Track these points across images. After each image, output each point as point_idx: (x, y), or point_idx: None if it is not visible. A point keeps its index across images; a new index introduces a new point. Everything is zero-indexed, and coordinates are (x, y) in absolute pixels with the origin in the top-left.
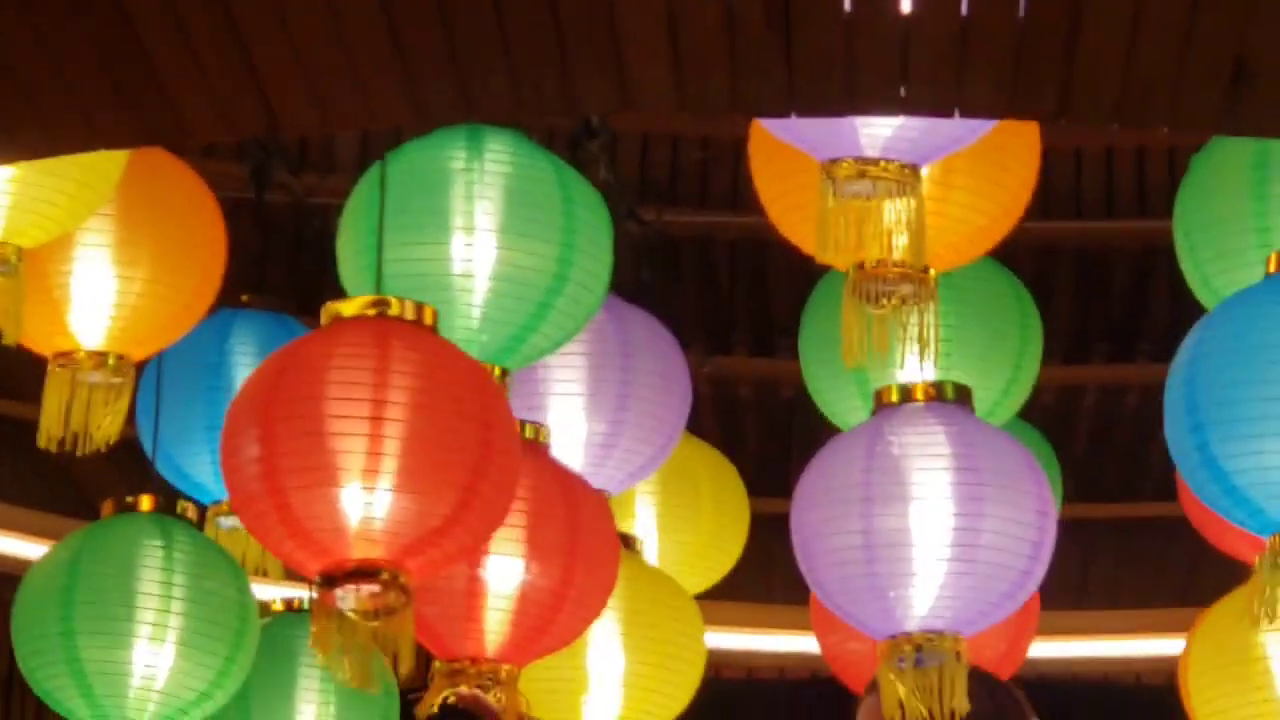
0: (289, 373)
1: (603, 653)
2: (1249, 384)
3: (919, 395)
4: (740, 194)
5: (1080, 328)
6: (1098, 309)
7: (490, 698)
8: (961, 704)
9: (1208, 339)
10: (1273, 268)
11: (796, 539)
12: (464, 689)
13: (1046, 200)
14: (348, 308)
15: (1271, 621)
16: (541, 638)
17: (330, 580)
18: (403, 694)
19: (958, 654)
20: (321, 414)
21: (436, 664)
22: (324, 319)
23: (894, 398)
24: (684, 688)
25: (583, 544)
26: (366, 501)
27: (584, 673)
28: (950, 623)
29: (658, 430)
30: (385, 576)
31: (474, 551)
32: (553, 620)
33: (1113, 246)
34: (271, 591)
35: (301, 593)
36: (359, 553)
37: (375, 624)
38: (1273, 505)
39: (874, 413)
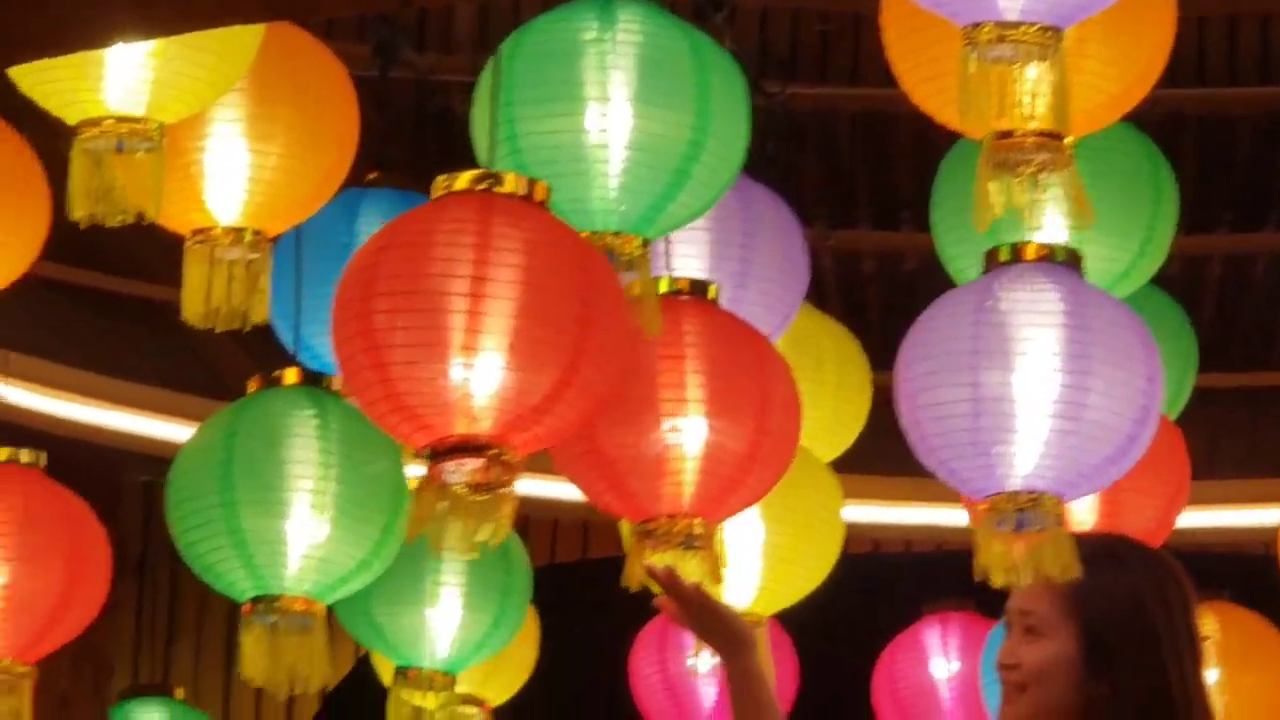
0: (391, 249)
1: (742, 524)
2: None
3: (1029, 255)
4: (860, 68)
5: (1205, 197)
6: (1222, 178)
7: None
8: (1064, 568)
9: None
10: None
11: (902, 393)
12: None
13: (1170, 68)
14: (456, 182)
15: None
16: (736, 489)
17: (435, 455)
18: None
19: (1058, 517)
20: (423, 289)
21: (627, 527)
22: (433, 194)
23: (1005, 257)
24: (823, 560)
25: (771, 392)
26: (467, 377)
27: (723, 544)
28: (1052, 483)
29: (774, 308)
30: (491, 452)
31: (579, 427)
32: (747, 471)
33: (1237, 114)
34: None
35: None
36: (461, 428)
37: (480, 498)
38: None
39: (984, 272)
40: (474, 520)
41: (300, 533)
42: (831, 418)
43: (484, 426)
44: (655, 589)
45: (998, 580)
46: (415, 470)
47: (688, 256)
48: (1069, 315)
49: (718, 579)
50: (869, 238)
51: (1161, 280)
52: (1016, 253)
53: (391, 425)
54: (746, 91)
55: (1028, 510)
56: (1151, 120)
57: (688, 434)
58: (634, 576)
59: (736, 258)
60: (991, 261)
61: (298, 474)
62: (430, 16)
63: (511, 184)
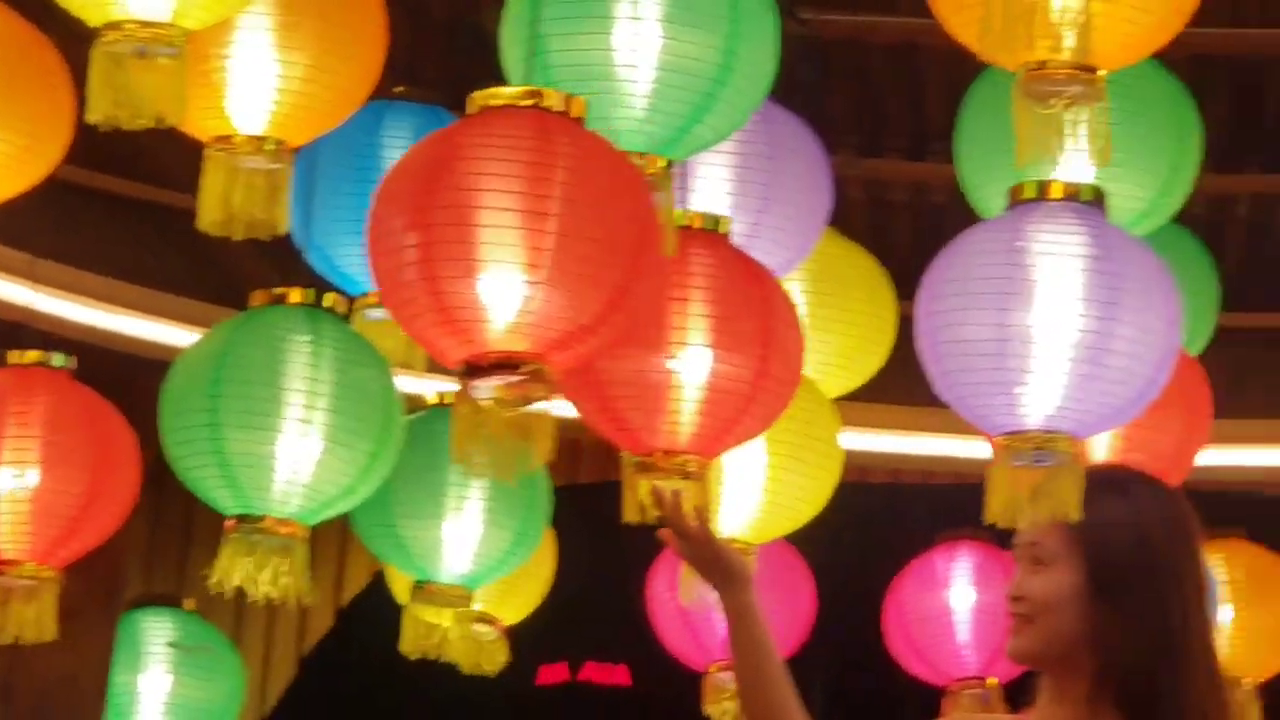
0: (444, 162)
1: (739, 452)
2: None
3: (1055, 194)
4: None
5: (1235, 138)
6: (1251, 118)
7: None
8: (1076, 506)
9: None
10: None
11: (923, 327)
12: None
13: (1201, 7)
14: (497, 98)
15: None
16: (733, 428)
17: (474, 370)
18: None
19: (1075, 456)
20: (478, 204)
21: (625, 458)
22: (470, 108)
23: (1030, 194)
24: (819, 492)
25: (775, 332)
26: (521, 294)
27: (720, 471)
28: (1071, 424)
29: (795, 235)
30: (529, 368)
31: (620, 346)
32: (745, 411)
33: (1269, 55)
34: (419, 385)
35: (451, 386)
36: (506, 345)
37: (515, 414)
38: None
39: (1009, 208)
40: (513, 438)
41: (287, 456)
42: (856, 346)
43: (528, 344)
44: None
45: (1008, 517)
46: (413, 386)
47: (712, 180)
48: (1095, 259)
49: (708, 513)
50: (898, 168)
51: (1187, 219)
52: (1042, 190)
53: (431, 338)
54: (777, 16)
55: (1045, 449)
56: (1182, 59)
57: (688, 369)
58: (631, 508)
59: (760, 182)
60: (1016, 198)
61: (287, 399)
62: None
63: (554, 100)
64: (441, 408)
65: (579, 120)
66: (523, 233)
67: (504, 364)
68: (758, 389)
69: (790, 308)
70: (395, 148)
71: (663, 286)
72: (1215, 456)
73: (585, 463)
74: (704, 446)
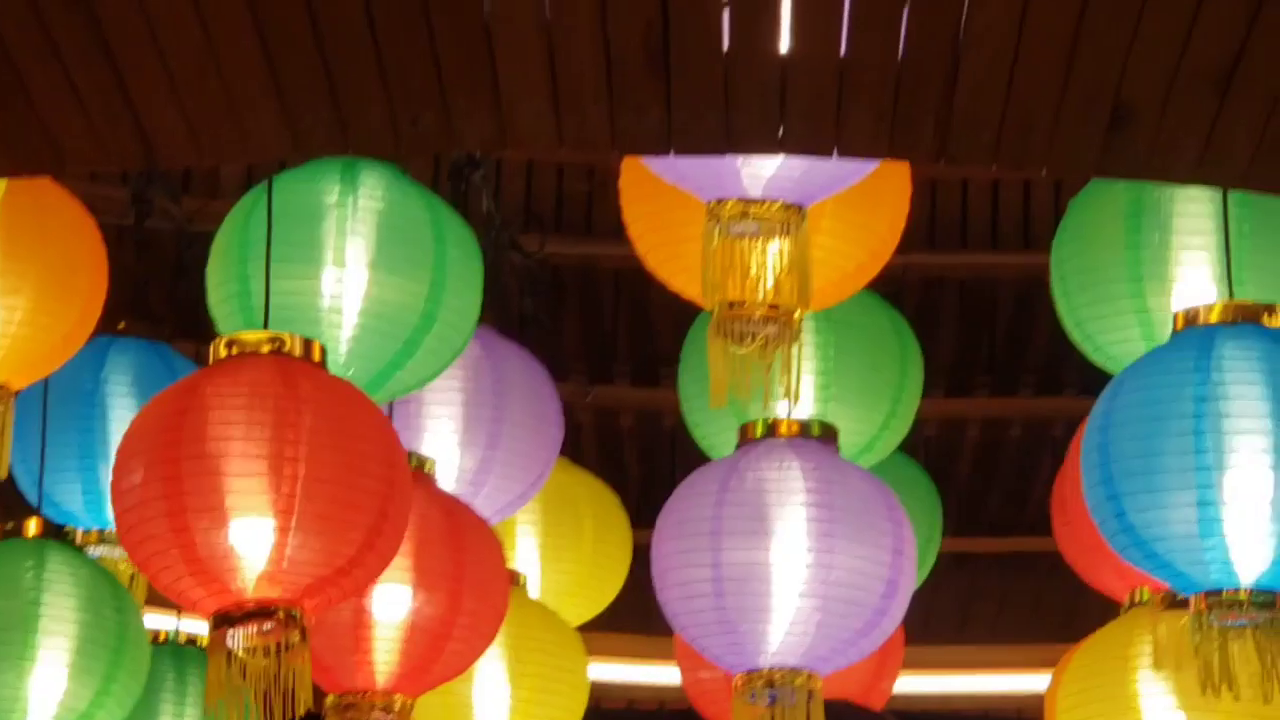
0: (189, 413)
1: (489, 684)
2: (1159, 454)
3: (782, 431)
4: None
5: (964, 360)
6: (981, 341)
7: None
8: None
9: (1119, 404)
10: (1180, 325)
11: (654, 570)
12: None
13: (933, 231)
14: (239, 345)
15: (1217, 694)
16: (432, 667)
17: (227, 619)
18: None
19: (811, 692)
20: (226, 454)
21: (328, 699)
22: (213, 354)
23: (758, 433)
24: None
25: (470, 572)
26: (272, 542)
27: (470, 705)
28: (803, 659)
29: (526, 469)
30: (281, 615)
31: (368, 587)
32: (442, 650)
33: (998, 278)
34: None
35: (166, 621)
36: (259, 592)
37: (269, 662)
38: (1194, 569)
39: (738, 447)
40: (266, 682)
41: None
42: (590, 574)
43: (281, 590)
44: None
45: None
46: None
47: (441, 418)
48: (814, 494)
49: None
50: (628, 394)
51: (917, 441)
52: (771, 428)
53: (182, 589)
54: (483, 263)
55: (781, 685)
56: (915, 282)
57: (386, 608)
58: None
59: (488, 419)
60: (745, 437)
61: (24, 628)
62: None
63: (295, 346)
64: (156, 645)
65: (320, 364)
66: (271, 480)
67: (257, 613)
68: (456, 626)
69: (489, 545)
70: (117, 384)
71: (408, 521)
72: (945, 682)
73: None
74: (404, 685)
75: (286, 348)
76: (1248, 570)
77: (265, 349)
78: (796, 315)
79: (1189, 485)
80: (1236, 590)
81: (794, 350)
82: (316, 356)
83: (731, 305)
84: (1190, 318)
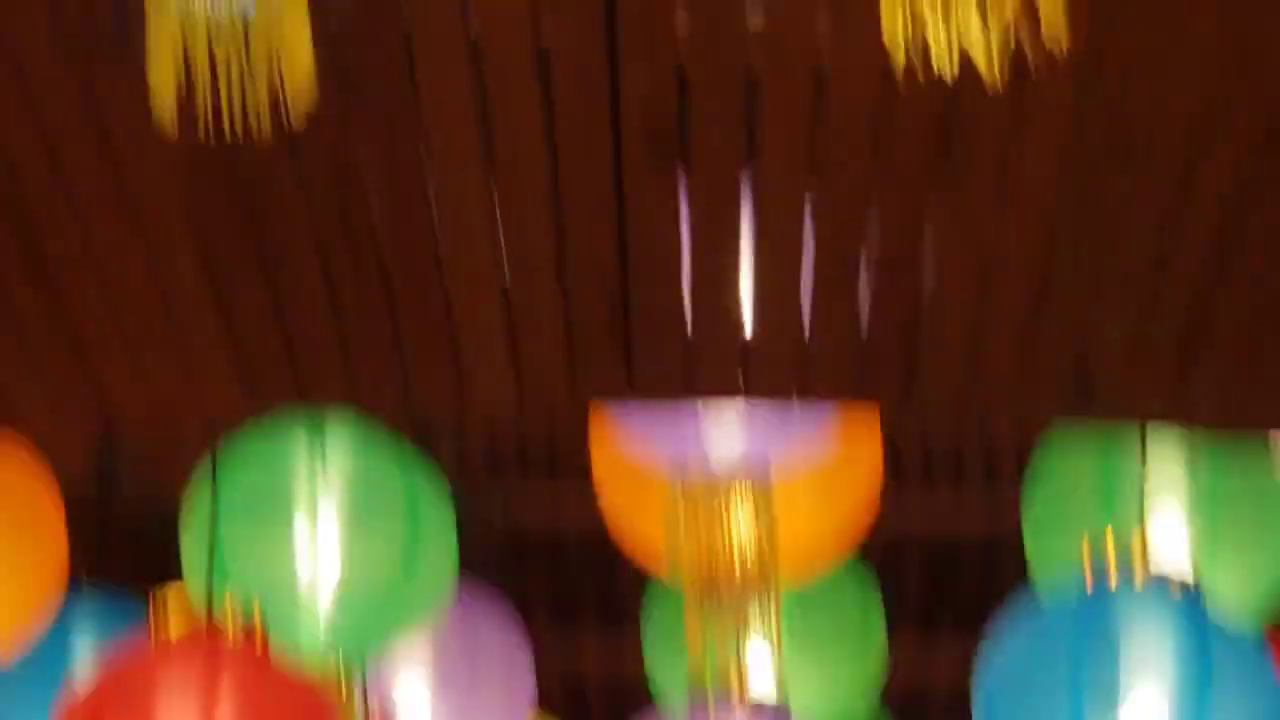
0: (117, 695)
1: None
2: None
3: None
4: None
5: (929, 618)
6: (944, 600)
7: None
8: None
9: (990, 668)
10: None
11: None
12: None
13: (894, 492)
14: (177, 625)
15: None
16: None
17: None
18: None
19: None
20: None
21: None
22: (152, 634)
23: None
24: None
25: None
26: None
27: None
28: None
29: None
30: None
31: None
32: None
33: (961, 536)
34: None
35: None
36: None
37: None
38: None
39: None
40: None
41: None
42: None
43: None
44: None
45: None
46: None
47: (413, 674)
48: None
49: None
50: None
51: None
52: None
53: None
54: (454, 520)
55: None
56: (877, 544)
57: None
58: None
59: (462, 674)
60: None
61: None
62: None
63: (234, 632)
64: None
65: (262, 648)
66: None
67: None
68: None
69: None
70: (83, 636)
71: None
72: None
73: None
74: None
75: (226, 634)
76: None
77: (201, 634)
78: (775, 589)
79: None
80: None
81: (772, 624)
82: (259, 641)
83: (708, 580)
84: None
